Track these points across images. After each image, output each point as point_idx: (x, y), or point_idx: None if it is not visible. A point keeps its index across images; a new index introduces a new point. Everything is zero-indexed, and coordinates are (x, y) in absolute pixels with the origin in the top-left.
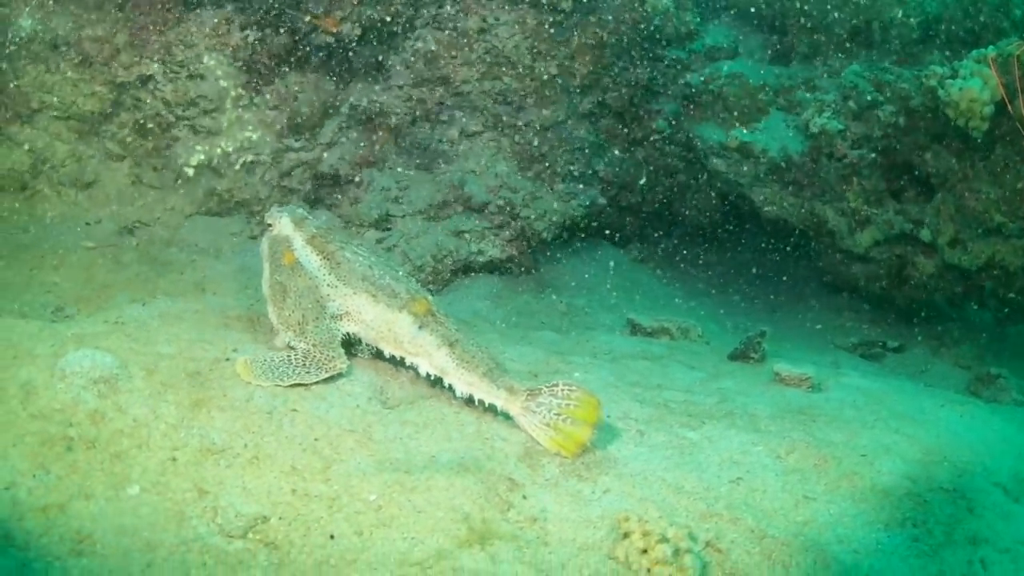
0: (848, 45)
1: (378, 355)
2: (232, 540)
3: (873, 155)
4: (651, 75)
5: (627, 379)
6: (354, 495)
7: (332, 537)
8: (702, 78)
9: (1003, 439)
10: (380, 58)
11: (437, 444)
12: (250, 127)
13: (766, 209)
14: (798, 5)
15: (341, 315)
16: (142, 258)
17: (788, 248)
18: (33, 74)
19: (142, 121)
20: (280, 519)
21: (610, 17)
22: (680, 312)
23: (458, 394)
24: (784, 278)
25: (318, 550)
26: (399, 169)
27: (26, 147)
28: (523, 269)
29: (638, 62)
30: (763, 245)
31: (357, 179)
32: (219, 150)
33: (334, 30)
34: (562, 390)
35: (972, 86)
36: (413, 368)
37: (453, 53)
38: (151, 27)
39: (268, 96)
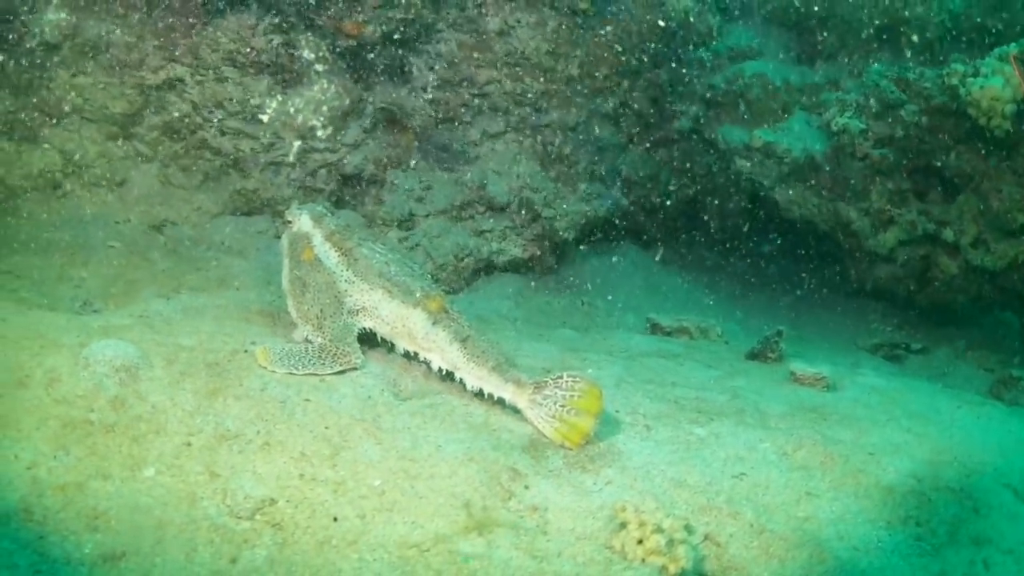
0: (872, 44)
1: (393, 349)
2: (240, 520)
3: (896, 155)
4: (674, 76)
5: (640, 376)
6: (359, 480)
7: (335, 519)
8: (725, 79)
9: (1019, 441)
10: (403, 60)
11: (444, 434)
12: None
13: (790, 209)
14: (822, 5)
15: (358, 310)
16: (168, 255)
17: (813, 249)
18: (64, 78)
19: (170, 123)
20: (287, 502)
21: (630, 18)
22: (703, 312)
23: (468, 388)
24: (809, 279)
25: (321, 531)
26: (422, 170)
27: (58, 148)
28: (545, 269)
29: (660, 63)
30: (788, 246)
31: (381, 179)
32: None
33: (355, 33)
34: (566, 382)
35: (994, 84)
36: (426, 363)
37: (475, 55)
38: (178, 31)
39: (293, 97)
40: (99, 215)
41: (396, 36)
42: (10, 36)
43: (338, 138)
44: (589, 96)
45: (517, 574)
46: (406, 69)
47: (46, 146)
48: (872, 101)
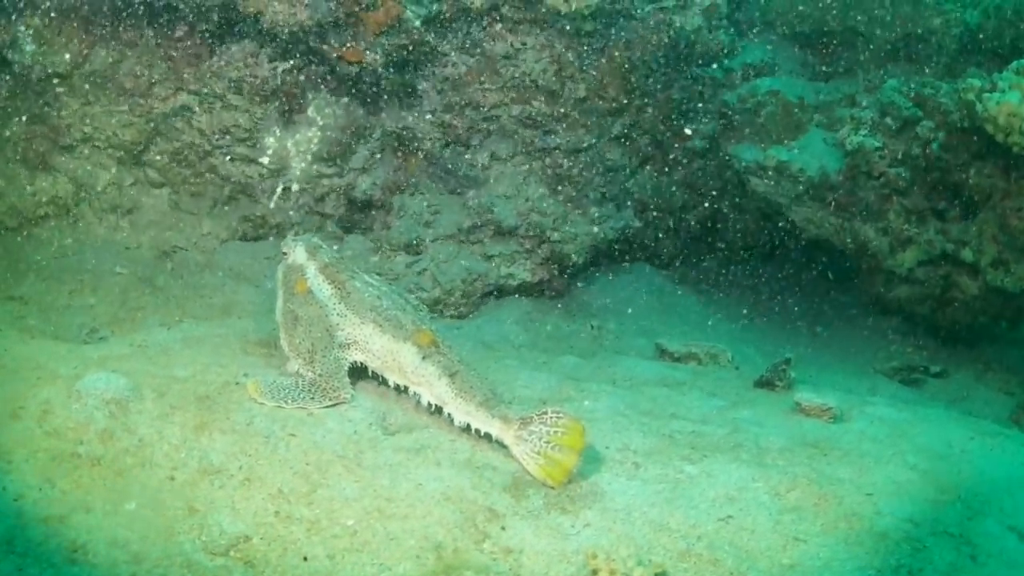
0: (889, 60)
1: (385, 381)
2: (214, 557)
3: (912, 173)
4: (685, 95)
5: (639, 408)
6: (334, 519)
7: (305, 559)
8: (739, 96)
9: None
10: (410, 84)
11: (426, 471)
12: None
13: (807, 229)
14: (838, 20)
15: (349, 344)
16: (175, 282)
17: (831, 269)
18: (74, 107)
19: (179, 150)
20: (261, 539)
21: (636, 38)
22: (717, 336)
23: (456, 423)
24: (827, 301)
25: (290, 570)
26: (430, 194)
27: (69, 176)
28: (554, 292)
29: (671, 83)
30: (805, 266)
31: (389, 204)
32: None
33: (356, 60)
34: (551, 417)
35: (1010, 99)
36: (417, 396)
37: (481, 79)
38: (184, 60)
39: (299, 124)
40: (110, 241)
41: (398, 61)
42: (21, 64)
43: (345, 163)
44: (598, 118)
45: None
46: (413, 93)
47: (58, 173)
48: (887, 118)
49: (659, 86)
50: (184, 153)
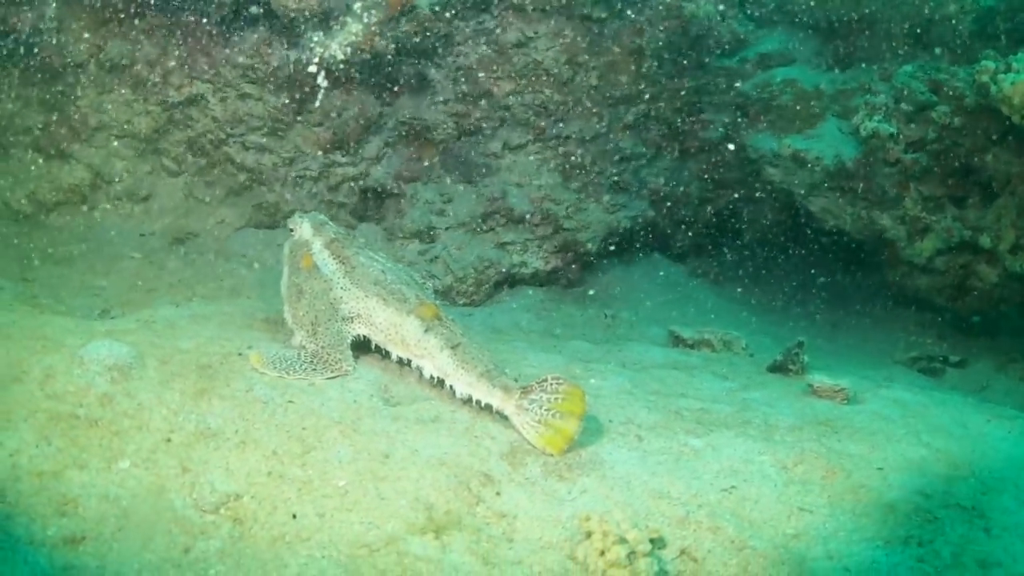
0: (904, 46)
1: (388, 356)
2: (204, 514)
3: (928, 159)
4: (700, 84)
5: (646, 387)
6: (326, 480)
7: (294, 516)
8: (755, 85)
9: None
10: (422, 73)
11: (424, 439)
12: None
13: (824, 219)
14: (853, 7)
15: (353, 317)
16: (187, 266)
17: (850, 259)
18: (91, 96)
19: (194, 138)
20: (252, 498)
21: (648, 26)
22: (734, 325)
23: (458, 395)
24: (846, 290)
25: (278, 527)
26: (443, 182)
27: (86, 164)
28: (568, 281)
29: (684, 71)
30: (822, 255)
31: (402, 192)
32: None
33: (369, 46)
34: (550, 384)
35: None
36: (419, 369)
37: (494, 67)
38: (199, 50)
39: (313, 112)
40: (125, 228)
41: (409, 49)
42: (39, 55)
43: (359, 152)
44: (611, 106)
45: None
46: (426, 82)
47: (74, 161)
48: (902, 103)
49: (673, 74)
50: (199, 142)
